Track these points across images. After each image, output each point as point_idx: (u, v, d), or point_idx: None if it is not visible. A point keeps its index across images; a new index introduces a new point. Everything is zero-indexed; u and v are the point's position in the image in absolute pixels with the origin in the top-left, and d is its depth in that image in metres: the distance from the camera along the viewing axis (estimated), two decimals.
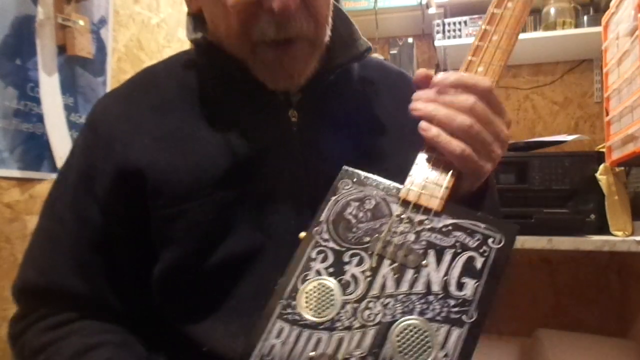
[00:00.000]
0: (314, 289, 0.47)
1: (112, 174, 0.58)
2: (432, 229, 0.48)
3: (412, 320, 0.44)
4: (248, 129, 0.60)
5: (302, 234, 0.50)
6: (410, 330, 0.44)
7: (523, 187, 1.44)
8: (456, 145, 0.49)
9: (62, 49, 1.27)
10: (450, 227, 0.47)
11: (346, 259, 0.48)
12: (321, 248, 0.49)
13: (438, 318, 0.44)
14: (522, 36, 1.84)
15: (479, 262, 0.45)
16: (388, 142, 0.67)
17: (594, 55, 1.93)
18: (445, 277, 0.45)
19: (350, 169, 0.53)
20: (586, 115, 1.98)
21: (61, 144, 1.24)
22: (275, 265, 0.57)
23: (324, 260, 0.48)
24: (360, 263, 0.47)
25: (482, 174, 0.51)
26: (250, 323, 0.56)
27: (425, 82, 0.53)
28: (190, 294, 0.59)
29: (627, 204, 1.40)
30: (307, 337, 0.45)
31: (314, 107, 0.62)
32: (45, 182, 1.23)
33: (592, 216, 1.40)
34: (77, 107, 1.32)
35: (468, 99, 0.49)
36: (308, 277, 0.47)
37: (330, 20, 0.60)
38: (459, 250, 0.46)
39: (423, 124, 0.51)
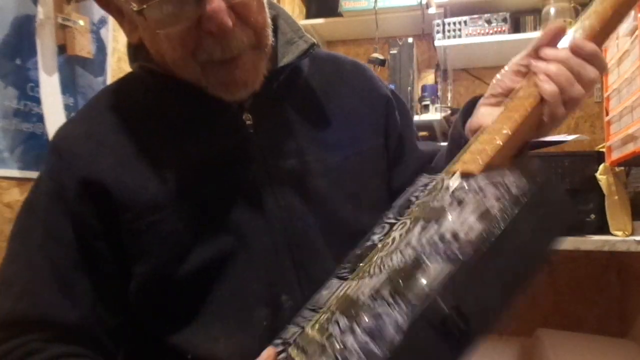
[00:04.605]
0: (364, 250, 0.54)
1: (78, 190, 0.58)
2: (468, 190, 0.51)
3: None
4: (206, 138, 0.62)
5: None
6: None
7: None
8: (562, 111, 0.53)
9: (62, 49, 1.27)
10: (482, 186, 0.50)
11: (395, 227, 0.53)
12: (383, 224, 0.55)
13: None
14: (522, 36, 1.85)
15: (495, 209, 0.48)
16: (346, 131, 0.68)
17: None
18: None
19: (428, 174, 0.58)
20: (586, 115, 1.98)
21: None
22: (248, 264, 0.59)
23: (381, 231, 0.55)
24: (402, 227, 0.52)
25: (561, 122, 0.55)
26: (230, 324, 0.58)
27: (556, 38, 0.54)
28: (168, 304, 0.59)
29: (627, 204, 1.41)
30: (338, 285, 0.52)
31: (267, 108, 0.63)
32: None
33: (592, 216, 1.40)
34: (77, 107, 1.32)
35: (593, 73, 0.52)
36: (365, 244, 0.55)
37: (269, 22, 0.60)
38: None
39: (542, 77, 0.53)
